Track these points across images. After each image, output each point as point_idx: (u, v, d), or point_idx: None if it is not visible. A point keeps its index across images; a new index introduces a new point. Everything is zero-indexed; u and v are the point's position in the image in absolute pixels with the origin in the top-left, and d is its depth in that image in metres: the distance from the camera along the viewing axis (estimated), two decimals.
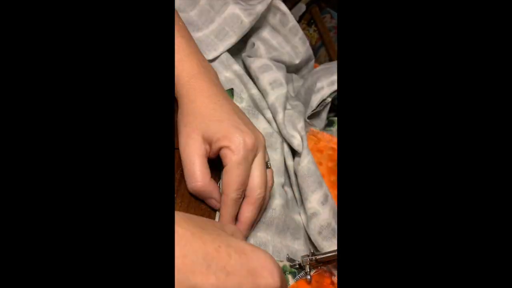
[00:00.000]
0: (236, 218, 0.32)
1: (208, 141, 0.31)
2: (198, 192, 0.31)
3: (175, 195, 0.31)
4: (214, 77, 0.35)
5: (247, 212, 0.32)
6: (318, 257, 0.35)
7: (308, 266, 0.35)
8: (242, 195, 0.32)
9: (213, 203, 0.32)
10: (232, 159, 0.30)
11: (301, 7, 1.17)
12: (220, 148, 0.31)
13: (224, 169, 0.31)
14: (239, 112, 0.34)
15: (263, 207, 0.34)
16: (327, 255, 0.35)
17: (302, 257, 0.36)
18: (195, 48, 0.36)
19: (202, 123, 0.31)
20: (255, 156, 0.32)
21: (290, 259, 0.36)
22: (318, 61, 0.99)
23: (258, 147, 0.32)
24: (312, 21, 1.14)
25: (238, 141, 0.30)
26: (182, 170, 0.32)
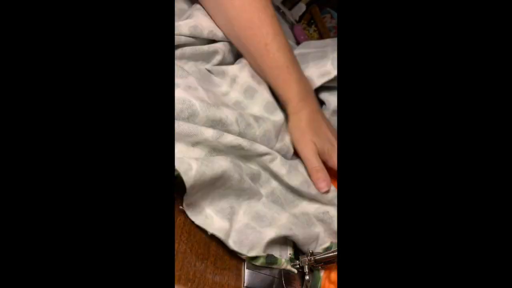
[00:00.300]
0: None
1: (317, 147, 0.44)
2: (316, 171, 0.43)
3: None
4: (314, 99, 0.48)
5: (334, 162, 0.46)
6: (317, 257, 0.35)
7: (306, 266, 0.35)
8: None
9: (323, 182, 0.43)
10: (334, 160, 0.45)
11: (301, 7, 1.17)
12: (328, 157, 0.45)
13: (333, 165, 0.45)
14: (329, 125, 0.48)
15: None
16: (326, 255, 0.35)
17: (301, 257, 0.36)
18: (302, 75, 0.47)
19: (314, 135, 0.44)
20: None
21: (291, 259, 0.36)
22: None
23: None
24: (312, 21, 1.14)
25: (333, 150, 0.45)
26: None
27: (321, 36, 1.00)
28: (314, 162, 0.43)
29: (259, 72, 0.47)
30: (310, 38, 1.11)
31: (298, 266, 0.36)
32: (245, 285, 0.33)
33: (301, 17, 1.18)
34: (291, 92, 0.45)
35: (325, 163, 0.45)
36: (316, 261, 0.35)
